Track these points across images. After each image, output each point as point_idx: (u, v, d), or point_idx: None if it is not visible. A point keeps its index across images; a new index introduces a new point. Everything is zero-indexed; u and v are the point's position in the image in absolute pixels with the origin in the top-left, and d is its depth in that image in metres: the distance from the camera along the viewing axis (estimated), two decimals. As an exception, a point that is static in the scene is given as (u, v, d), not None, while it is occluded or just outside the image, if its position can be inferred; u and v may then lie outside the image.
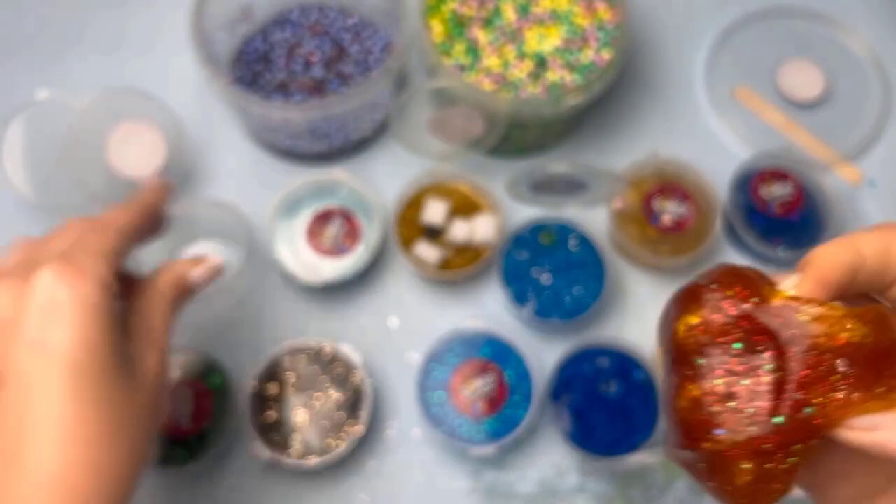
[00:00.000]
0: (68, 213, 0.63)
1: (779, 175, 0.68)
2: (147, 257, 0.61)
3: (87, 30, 0.74)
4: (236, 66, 0.70)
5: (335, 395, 0.60)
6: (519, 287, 0.63)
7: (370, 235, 0.65)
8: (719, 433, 0.25)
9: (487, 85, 0.63)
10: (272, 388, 0.60)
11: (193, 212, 0.64)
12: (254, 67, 0.70)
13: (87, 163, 0.64)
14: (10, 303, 0.34)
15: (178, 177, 0.67)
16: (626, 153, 0.70)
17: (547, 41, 0.65)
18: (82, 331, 0.33)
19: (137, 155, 0.64)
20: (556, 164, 0.62)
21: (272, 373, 0.60)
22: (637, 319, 0.65)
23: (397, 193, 0.65)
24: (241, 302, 0.65)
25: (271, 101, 0.68)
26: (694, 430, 0.26)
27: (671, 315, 0.28)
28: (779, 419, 0.24)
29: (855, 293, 0.26)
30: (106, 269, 0.36)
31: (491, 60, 0.64)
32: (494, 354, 0.61)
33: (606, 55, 0.64)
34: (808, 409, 0.24)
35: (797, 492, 0.27)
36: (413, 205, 0.65)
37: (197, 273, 0.45)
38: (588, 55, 0.65)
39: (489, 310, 0.65)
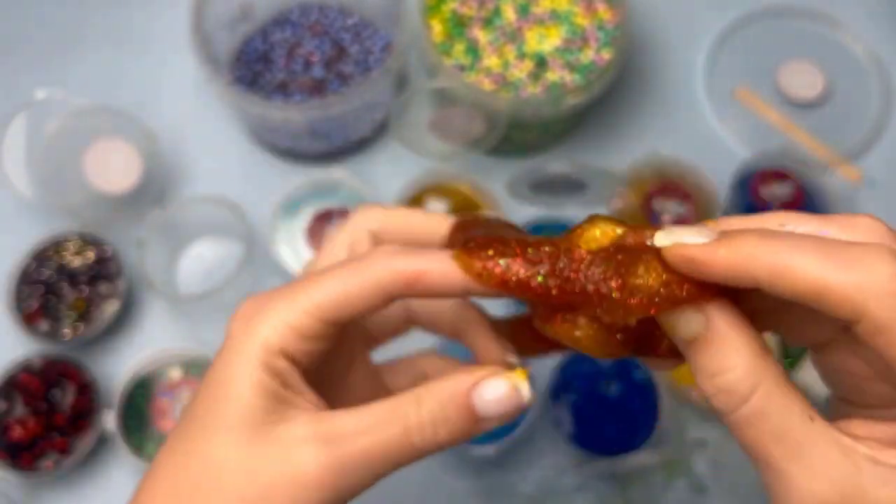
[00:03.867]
0: (68, 213, 0.64)
1: (779, 175, 0.68)
2: (148, 256, 0.61)
3: (86, 30, 0.74)
4: (236, 66, 0.70)
5: (335, 395, 0.60)
6: (519, 287, 0.63)
7: (370, 235, 0.65)
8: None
9: (487, 85, 0.63)
10: (272, 388, 0.60)
11: (192, 210, 0.64)
12: (254, 67, 0.70)
13: (66, 182, 0.64)
14: None
15: (156, 190, 0.67)
16: (626, 153, 0.70)
17: (547, 41, 0.65)
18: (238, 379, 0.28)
19: (114, 171, 0.64)
20: (556, 164, 0.63)
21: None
22: (637, 319, 0.65)
23: (397, 193, 0.65)
24: (241, 301, 0.65)
25: (271, 101, 0.68)
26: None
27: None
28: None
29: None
30: (281, 336, 0.28)
31: (491, 60, 0.64)
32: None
33: (606, 55, 0.64)
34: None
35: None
36: (413, 205, 0.65)
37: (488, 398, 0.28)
38: (588, 55, 0.65)
39: (489, 310, 0.65)
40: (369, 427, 0.27)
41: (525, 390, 0.27)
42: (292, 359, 0.28)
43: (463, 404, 0.27)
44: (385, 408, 0.27)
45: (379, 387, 0.34)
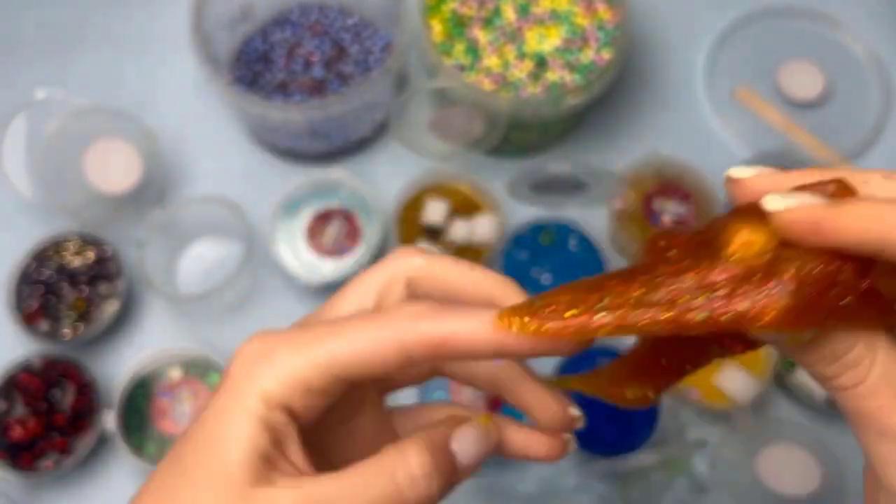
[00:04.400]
0: (68, 213, 0.64)
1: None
2: (148, 256, 0.61)
3: (86, 30, 0.74)
4: (236, 66, 0.70)
5: (335, 395, 0.60)
6: (519, 287, 0.63)
7: (370, 235, 0.65)
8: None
9: (487, 85, 0.63)
10: (272, 388, 0.60)
11: (192, 210, 0.64)
12: (254, 67, 0.70)
13: (66, 183, 0.64)
14: None
15: (156, 190, 0.67)
16: (626, 153, 0.70)
17: (547, 41, 0.65)
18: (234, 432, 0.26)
19: (114, 171, 0.64)
20: (556, 164, 0.63)
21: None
22: (637, 319, 0.65)
23: (397, 193, 0.65)
24: (242, 301, 0.65)
25: (271, 101, 0.68)
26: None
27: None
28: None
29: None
30: (286, 388, 0.26)
31: (491, 60, 0.64)
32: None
33: (606, 55, 0.64)
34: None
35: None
36: (413, 205, 0.65)
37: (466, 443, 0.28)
38: (588, 55, 0.65)
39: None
40: (354, 490, 0.25)
41: (493, 433, 0.28)
42: (292, 413, 0.26)
43: (442, 454, 0.27)
44: (372, 465, 0.26)
45: (388, 433, 0.31)
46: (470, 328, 0.25)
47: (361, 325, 0.26)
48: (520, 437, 0.31)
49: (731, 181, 0.26)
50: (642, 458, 0.58)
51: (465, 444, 0.28)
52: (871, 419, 0.23)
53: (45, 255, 0.62)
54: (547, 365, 0.61)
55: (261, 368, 0.26)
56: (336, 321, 0.27)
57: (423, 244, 0.64)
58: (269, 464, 0.25)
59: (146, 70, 0.72)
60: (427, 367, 0.32)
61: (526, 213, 0.66)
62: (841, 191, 0.24)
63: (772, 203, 0.23)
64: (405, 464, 0.26)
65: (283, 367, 0.26)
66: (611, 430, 0.59)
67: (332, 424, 0.30)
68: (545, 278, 0.63)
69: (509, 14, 0.66)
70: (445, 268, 0.29)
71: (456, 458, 0.27)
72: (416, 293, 0.29)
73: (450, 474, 0.27)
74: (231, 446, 0.25)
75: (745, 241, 0.23)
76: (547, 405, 0.30)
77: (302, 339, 0.26)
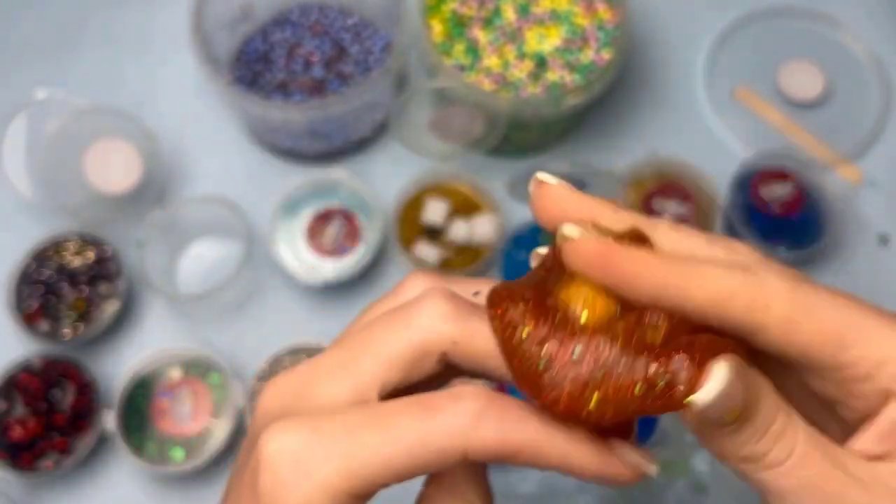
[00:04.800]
0: (68, 213, 0.64)
1: (779, 175, 0.68)
2: (148, 256, 0.61)
3: (87, 30, 0.74)
4: (236, 66, 0.70)
5: (335, 395, 0.60)
6: (519, 287, 0.63)
7: (370, 235, 0.65)
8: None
9: (487, 85, 0.63)
10: (272, 388, 0.60)
11: (192, 210, 0.64)
12: (254, 67, 0.70)
13: (66, 183, 0.64)
14: None
15: (156, 190, 0.67)
16: (626, 153, 0.70)
17: (547, 41, 0.65)
18: None
19: (114, 171, 0.64)
20: (556, 164, 0.63)
21: (272, 373, 0.60)
22: (637, 319, 0.65)
23: (397, 193, 0.65)
24: (241, 302, 0.65)
25: (271, 101, 0.68)
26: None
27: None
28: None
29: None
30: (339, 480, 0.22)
31: (491, 60, 0.64)
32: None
33: (606, 55, 0.64)
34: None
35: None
36: (413, 205, 0.65)
37: None
38: (588, 55, 0.65)
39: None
40: None
41: None
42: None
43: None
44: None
45: None
46: (548, 437, 0.22)
47: (414, 428, 0.22)
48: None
49: (536, 182, 0.25)
50: (642, 458, 0.58)
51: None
52: (812, 490, 0.22)
53: (45, 255, 0.62)
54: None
55: (295, 489, 0.22)
56: (379, 413, 0.23)
57: (424, 245, 0.64)
58: None
59: (146, 70, 0.72)
60: None
61: (526, 213, 0.66)
62: (635, 239, 0.24)
63: (569, 230, 0.23)
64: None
65: (321, 482, 0.22)
66: (611, 430, 0.59)
67: None
68: (545, 278, 0.63)
69: (509, 14, 0.66)
70: (480, 340, 0.24)
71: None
72: (449, 362, 0.25)
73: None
74: None
75: (588, 305, 0.23)
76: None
77: (340, 441, 0.22)
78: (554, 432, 0.23)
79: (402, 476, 0.23)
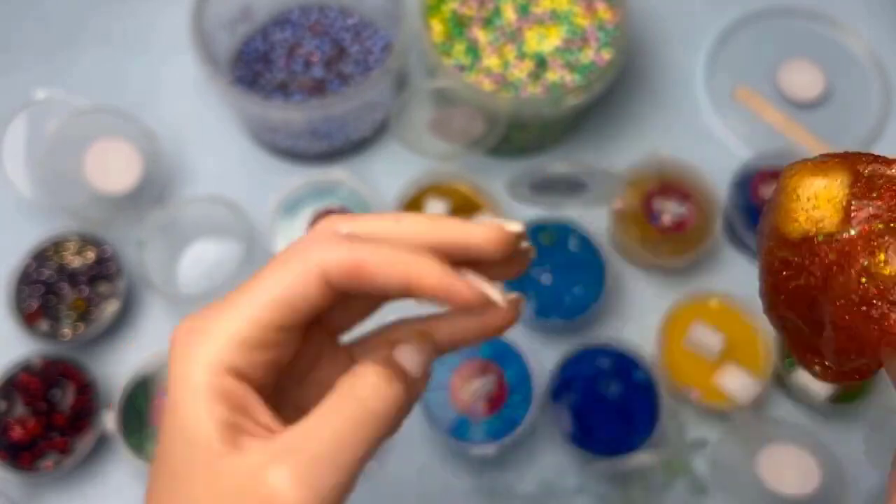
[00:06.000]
0: (68, 213, 0.64)
1: (779, 175, 0.67)
2: (148, 256, 0.61)
3: (87, 29, 0.74)
4: (236, 66, 0.70)
5: (335, 395, 0.60)
6: (519, 287, 0.63)
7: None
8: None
9: (487, 85, 0.63)
10: (272, 388, 0.60)
11: (192, 210, 0.64)
12: (254, 67, 0.70)
13: (67, 183, 0.64)
14: None
15: (156, 190, 0.67)
16: (626, 153, 0.70)
17: (547, 41, 0.65)
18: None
19: (114, 171, 0.64)
20: (556, 164, 0.63)
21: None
22: (637, 320, 0.65)
23: (397, 193, 0.65)
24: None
25: (271, 101, 0.68)
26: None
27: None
28: None
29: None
30: (226, 353, 0.26)
31: (491, 60, 0.64)
32: (495, 354, 0.61)
33: (606, 55, 0.64)
34: None
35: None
36: (413, 205, 0.65)
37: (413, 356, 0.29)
38: (588, 55, 0.65)
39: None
40: (319, 421, 0.25)
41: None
42: (242, 375, 0.26)
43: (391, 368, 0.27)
44: (331, 395, 0.26)
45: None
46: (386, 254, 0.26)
47: (274, 270, 0.26)
48: (459, 323, 0.30)
49: None
50: (642, 458, 0.58)
51: (406, 354, 0.28)
52: None
53: (45, 255, 0.62)
54: (548, 363, 0.61)
55: (195, 346, 0.26)
56: (254, 276, 0.27)
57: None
58: (236, 430, 0.25)
59: (146, 70, 0.72)
60: (364, 303, 0.31)
61: (526, 213, 0.66)
62: None
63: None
64: (363, 380, 0.26)
65: (214, 335, 0.26)
66: (611, 430, 0.59)
67: (298, 380, 0.30)
68: (545, 278, 0.63)
69: (509, 14, 0.66)
70: (363, 251, 0.27)
71: (405, 367, 0.28)
72: (339, 290, 0.27)
73: (407, 383, 0.28)
74: (195, 428, 0.25)
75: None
76: (491, 233, 0.28)
77: (223, 305, 0.27)
78: (399, 250, 0.26)
79: (284, 311, 0.26)
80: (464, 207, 0.65)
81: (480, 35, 0.65)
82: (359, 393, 0.26)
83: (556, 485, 0.61)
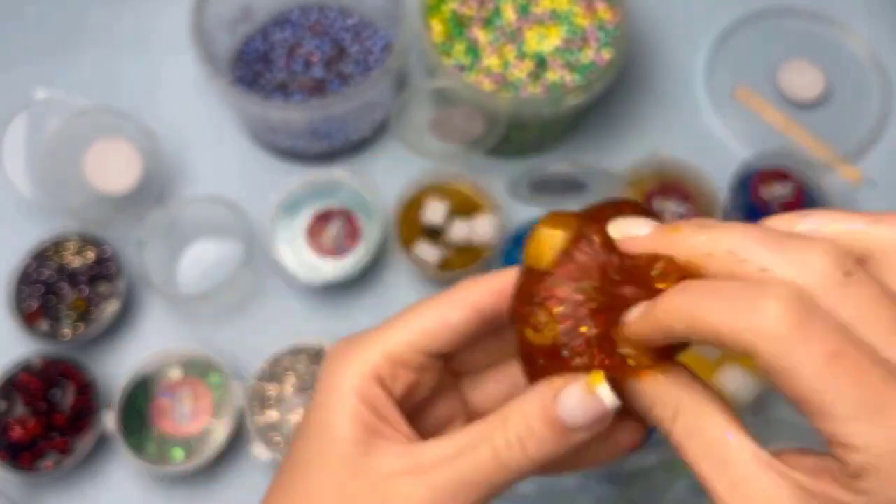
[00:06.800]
0: (68, 213, 0.64)
1: (779, 175, 0.68)
2: (148, 256, 0.61)
3: (87, 29, 0.74)
4: (236, 66, 0.70)
5: (335, 395, 0.60)
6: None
7: (370, 235, 0.65)
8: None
9: (487, 85, 0.63)
10: (272, 389, 0.60)
11: (192, 210, 0.64)
12: (254, 67, 0.70)
13: (67, 183, 0.64)
14: None
15: (156, 190, 0.67)
16: (626, 153, 0.70)
17: (547, 41, 0.65)
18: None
19: (114, 171, 0.64)
20: (556, 164, 0.63)
21: (272, 373, 0.60)
22: (637, 319, 0.65)
23: (397, 193, 0.65)
24: (242, 301, 0.65)
25: (271, 101, 0.68)
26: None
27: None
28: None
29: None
30: (376, 364, 0.28)
31: (491, 60, 0.64)
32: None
33: (606, 55, 0.64)
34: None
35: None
36: (413, 205, 0.65)
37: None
38: (588, 55, 0.65)
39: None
40: (458, 453, 0.26)
41: (604, 394, 0.25)
42: (387, 387, 0.28)
43: (548, 417, 0.25)
44: (473, 431, 0.27)
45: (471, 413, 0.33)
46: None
47: (434, 301, 0.29)
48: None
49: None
50: (642, 458, 0.58)
51: (567, 406, 0.25)
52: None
53: (45, 255, 0.62)
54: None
55: (348, 357, 0.28)
56: (410, 307, 0.29)
57: (424, 245, 0.64)
58: (375, 434, 0.27)
59: (146, 70, 0.72)
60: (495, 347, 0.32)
61: (526, 213, 0.66)
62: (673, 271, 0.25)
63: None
64: (504, 428, 0.26)
65: (368, 348, 0.28)
66: (611, 430, 0.59)
67: (422, 413, 0.31)
68: (545, 278, 0.63)
69: (509, 14, 0.66)
70: (506, 278, 0.29)
71: (562, 421, 0.25)
72: (485, 317, 0.29)
73: (555, 438, 0.26)
74: (337, 425, 0.27)
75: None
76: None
77: (380, 328, 0.29)
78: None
79: (437, 338, 0.28)
80: (464, 207, 0.65)
81: (480, 35, 0.65)
82: (498, 444, 0.26)
83: (556, 485, 0.61)
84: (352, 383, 0.28)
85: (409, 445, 0.27)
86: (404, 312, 0.29)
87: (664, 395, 0.25)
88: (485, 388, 0.32)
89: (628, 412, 0.27)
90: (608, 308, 0.25)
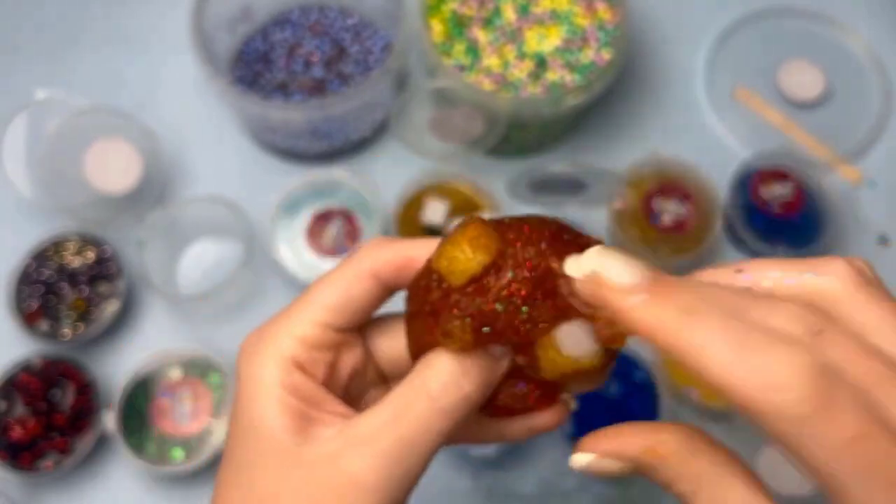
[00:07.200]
0: (68, 213, 0.64)
1: (779, 175, 0.68)
2: (148, 256, 0.61)
3: (86, 30, 0.74)
4: (236, 66, 0.70)
5: (335, 395, 0.60)
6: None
7: (370, 235, 0.65)
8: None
9: (487, 85, 0.63)
10: (272, 388, 0.60)
11: (192, 210, 0.64)
12: (254, 67, 0.70)
13: (67, 183, 0.64)
14: None
15: (156, 190, 0.67)
16: (626, 153, 0.70)
17: (547, 41, 0.65)
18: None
19: (114, 171, 0.64)
20: (556, 164, 0.63)
21: (272, 373, 0.60)
22: (637, 319, 0.65)
23: (397, 193, 0.65)
24: (242, 302, 0.65)
25: (271, 101, 0.68)
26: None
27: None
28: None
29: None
30: (292, 350, 0.28)
31: (491, 60, 0.64)
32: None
33: (606, 55, 0.64)
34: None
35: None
36: (413, 205, 0.65)
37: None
38: (588, 55, 0.65)
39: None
40: (396, 414, 0.26)
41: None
42: (308, 371, 0.28)
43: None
44: (404, 389, 0.27)
45: None
46: (427, 250, 0.28)
47: (333, 275, 0.29)
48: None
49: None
50: (642, 458, 0.58)
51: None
52: None
53: (45, 255, 0.62)
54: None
55: (262, 348, 0.28)
56: (311, 285, 0.30)
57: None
58: (308, 421, 0.27)
59: (146, 70, 0.72)
60: None
61: (526, 213, 0.66)
62: None
63: (569, 268, 0.26)
64: (435, 373, 0.26)
65: (279, 336, 0.28)
66: (611, 430, 0.59)
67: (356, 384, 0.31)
68: (545, 278, 0.63)
69: (509, 14, 0.66)
70: (410, 249, 0.30)
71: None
72: (387, 286, 0.30)
73: (488, 361, 0.27)
74: (268, 422, 0.27)
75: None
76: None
77: (286, 312, 0.29)
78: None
79: (343, 310, 0.28)
80: (464, 207, 0.65)
81: (480, 35, 0.65)
82: (432, 391, 0.26)
83: (556, 485, 0.61)
84: (272, 375, 0.27)
85: (345, 422, 0.27)
86: (308, 290, 0.29)
87: (686, 470, 0.25)
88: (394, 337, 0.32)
89: (554, 397, 0.31)
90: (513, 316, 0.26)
